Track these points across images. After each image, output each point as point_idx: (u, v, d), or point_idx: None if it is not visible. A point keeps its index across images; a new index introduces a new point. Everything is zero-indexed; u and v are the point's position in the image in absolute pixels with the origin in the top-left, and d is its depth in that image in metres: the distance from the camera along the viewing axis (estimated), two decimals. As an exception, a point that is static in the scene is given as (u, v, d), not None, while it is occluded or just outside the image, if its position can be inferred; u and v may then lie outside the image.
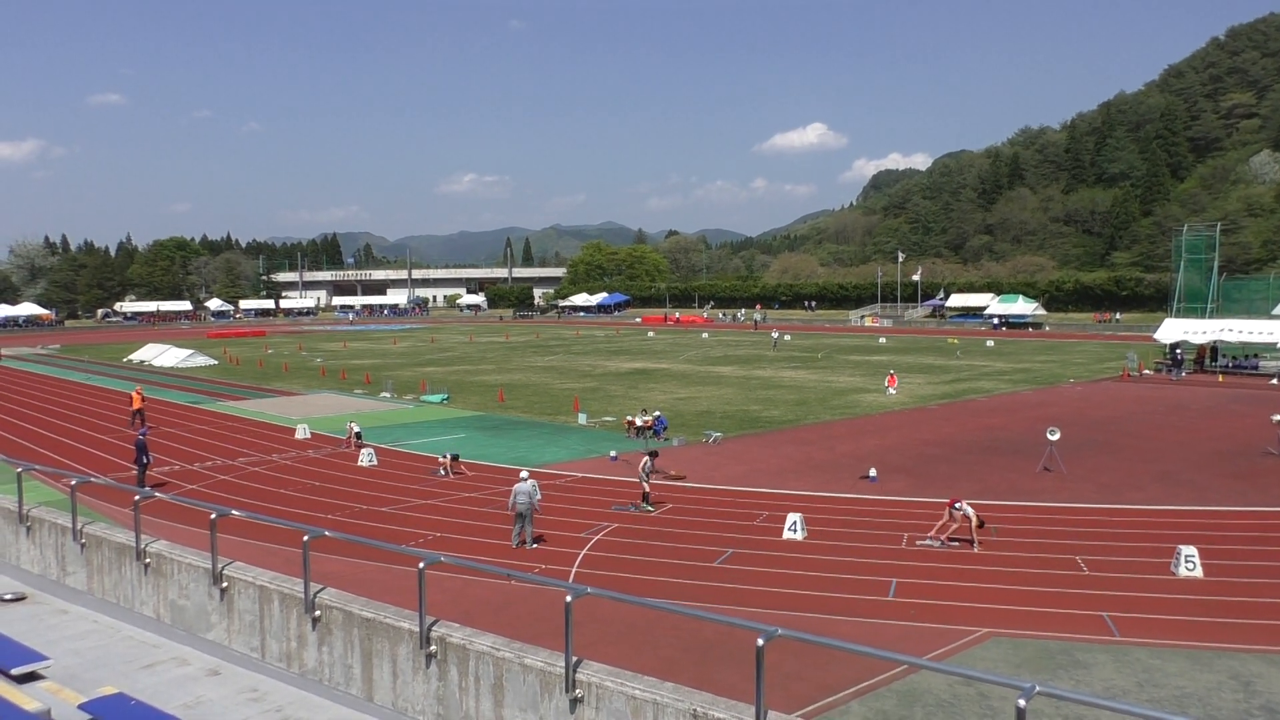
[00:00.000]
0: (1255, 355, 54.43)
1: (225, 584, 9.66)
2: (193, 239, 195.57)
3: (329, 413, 39.91)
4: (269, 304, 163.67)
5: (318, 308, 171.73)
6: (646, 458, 23.24)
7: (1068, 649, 14.07)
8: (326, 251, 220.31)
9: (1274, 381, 48.59)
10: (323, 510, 23.05)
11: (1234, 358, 54.81)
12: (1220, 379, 50.35)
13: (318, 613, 8.74)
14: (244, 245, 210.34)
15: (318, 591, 8.84)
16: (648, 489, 22.71)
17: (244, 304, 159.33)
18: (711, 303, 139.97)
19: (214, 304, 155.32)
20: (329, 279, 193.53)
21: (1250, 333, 52.29)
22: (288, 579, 9.36)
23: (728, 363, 61.95)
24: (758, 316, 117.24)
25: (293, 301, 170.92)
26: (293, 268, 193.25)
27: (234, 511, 10.90)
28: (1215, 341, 53.69)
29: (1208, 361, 54.46)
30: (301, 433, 33.90)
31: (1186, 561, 17.45)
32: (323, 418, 38.06)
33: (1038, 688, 5.28)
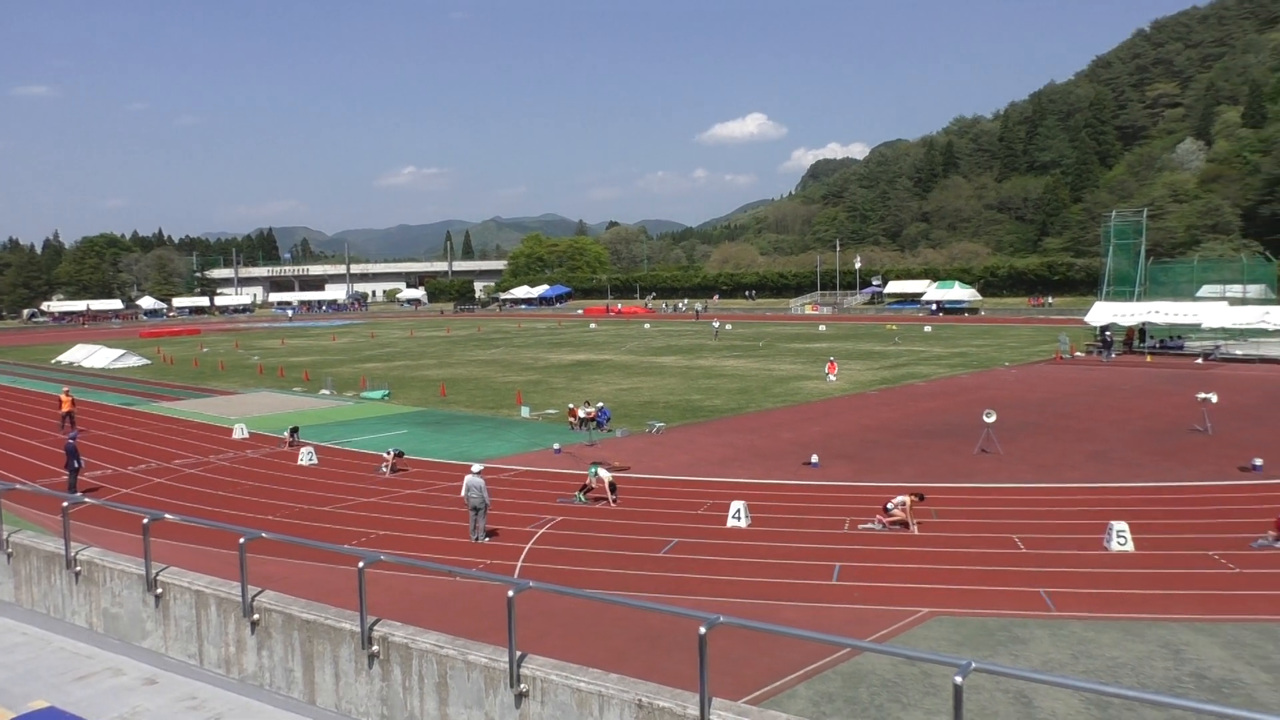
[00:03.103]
0: (1181, 336, 56.12)
1: (160, 590, 9.43)
2: (123, 235, 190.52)
3: (267, 412, 39.18)
4: (203, 301, 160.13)
5: (254, 304, 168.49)
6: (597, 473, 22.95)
7: (1007, 625, 14.39)
8: (263, 247, 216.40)
9: (1199, 361, 50.15)
10: (262, 511, 22.65)
11: (1161, 339, 56.46)
12: (1148, 359, 51.82)
13: (256, 616, 8.58)
14: (177, 241, 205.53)
15: (256, 594, 8.68)
16: (592, 484, 22.74)
17: (178, 302, 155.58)
18: (653, 293, 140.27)
19: (146, 302, 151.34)
20: (265, 275, 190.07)
21: (1176, 315, 53.91)
22: (225, 583, 9.17)
23: (670, 353, 62.14)
24: (699, 306, 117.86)
25: (228, 299, 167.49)
26: (228, 264, 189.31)
27: (168, 515, 10.63)
28: (1143, 323, 55.24)
29: (1136, 343, 56.02)
30: (239, 432, 33.24)
31: (1118, 536, 17.95)
32: (261, 417, 37.36)
33: (974, 664, 5.37)
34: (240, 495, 24.48)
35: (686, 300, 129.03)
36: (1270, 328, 50.48)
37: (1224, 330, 53.39)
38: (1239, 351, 52.49)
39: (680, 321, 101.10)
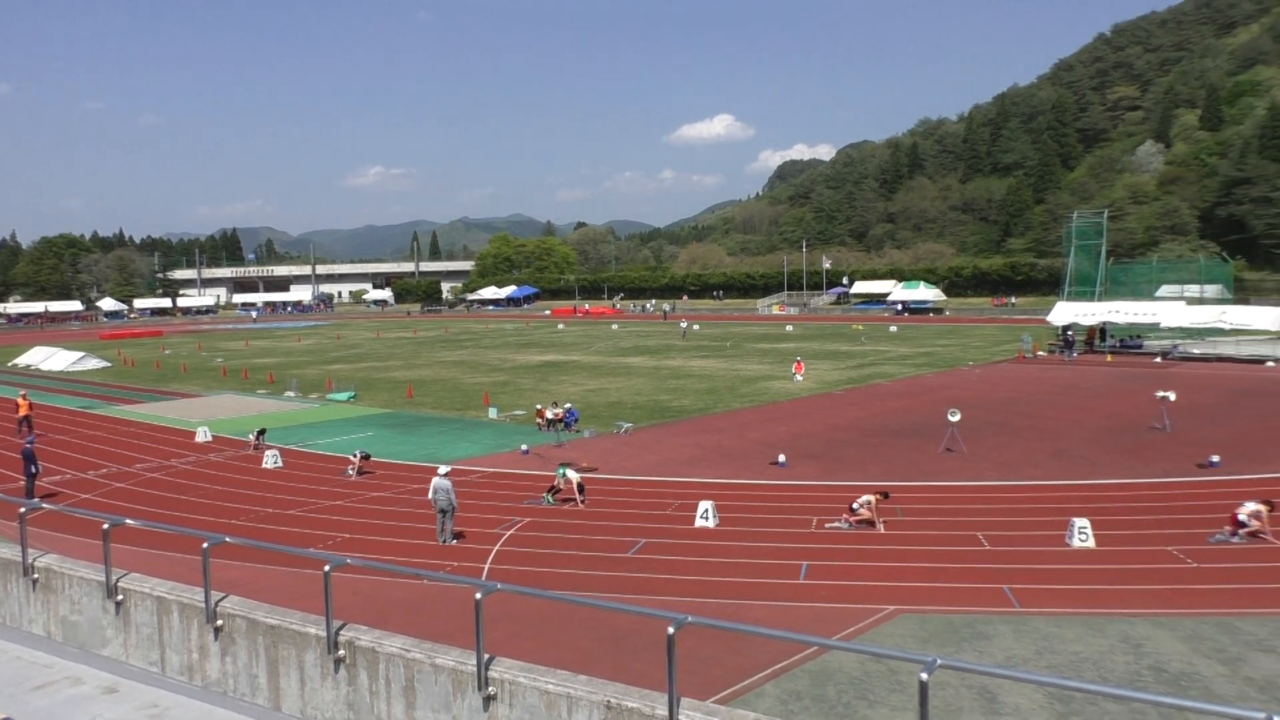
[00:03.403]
0: (1140, 336, 57.02)
1: (120, 597, 9.29)
2: (83, 235, 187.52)
3: (231, 414, 38.73)
4: (166, 303, 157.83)
5: (217, 306, 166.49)
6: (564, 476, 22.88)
7: (971, 622, 14.54)
8: (226, 247, 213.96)
9: (1158, 360, 50.97)
10: (226, 515, 22.38)
11: (1121, 338, 57.33)
12: (1109, 359, 52.58)
13: (220, 622, 8.49)
14: (138, 242, 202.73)
15: (219, 600, 8.58)
16: (560, 485, 22.70)
17: (139, 303, 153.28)
18: (621, 294, 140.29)
19: (106, 304, 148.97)
20: (229, 276, 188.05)
21: (1136, 314, 54.82)
22: (187, 588, 9.06)
23: (637, 353, 62.18)
24: (666, 307, 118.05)
25: (191, 300, 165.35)
26: (190, 265, 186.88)
27: (129, 521, 10.47)
28: (1104, 323, 56.07)
29: (1097, 342, 56.83)
30: (202, 436, 32.82)
31: (1080, 533, 18.20)
32: (225, 419, 36.92)
33: (939, 661, 5.43)
34: (204, 499, 24.17)
35: (654, 301, 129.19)
36: (1227, 327, 51.46)
37: (1182, 330, 54.33)
38: (1196, 351, 53.40)
39: (648, 322, 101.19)
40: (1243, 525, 18.17)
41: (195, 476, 27.03)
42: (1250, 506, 18.41)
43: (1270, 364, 46.81)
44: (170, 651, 8.95)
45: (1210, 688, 11.99)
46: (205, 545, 8.55)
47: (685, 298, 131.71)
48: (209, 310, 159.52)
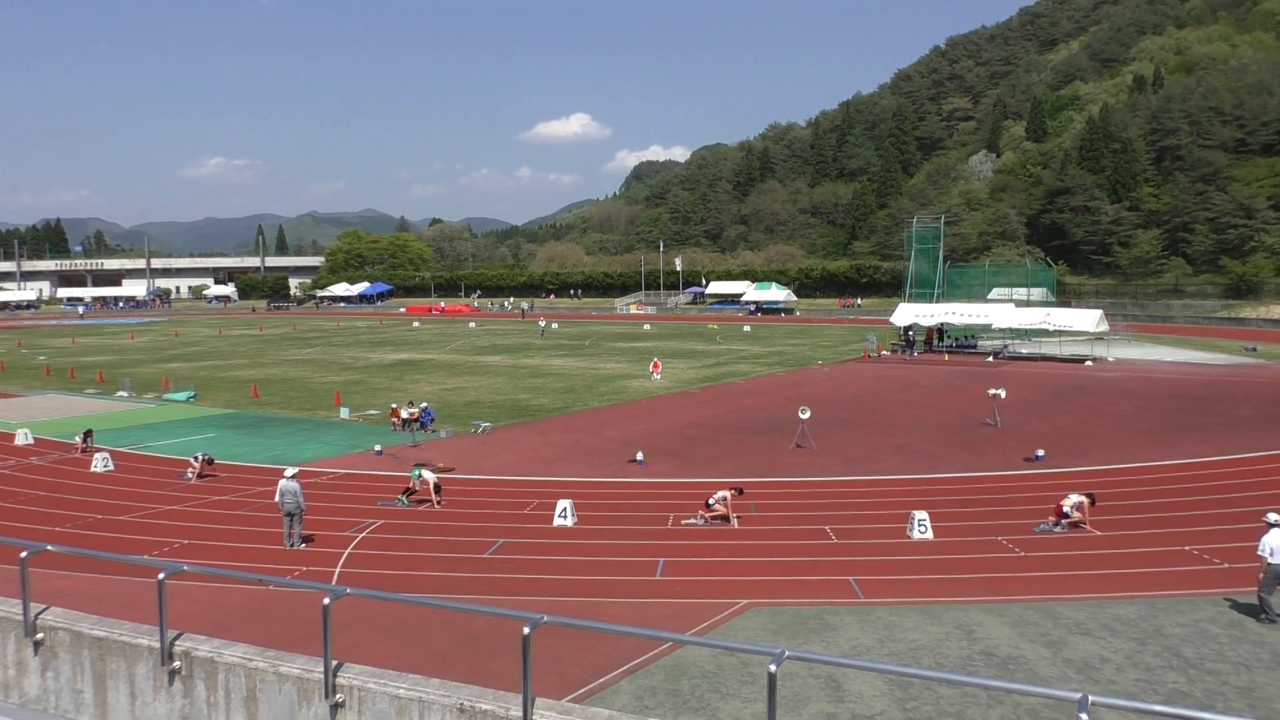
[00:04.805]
0: (974, 336, 60.31)
1: None
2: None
3: (56, 415, 36.23)
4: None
5: (40, 301, 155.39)
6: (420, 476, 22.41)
7: (819, 613, 15.03)
8: (50, 239, 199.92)
9: (990, 359, 54.00)
10: (50, 522, 20.91)
11: (957, 338, 60.48)
12: (946, 358, 55.36)
13: (40, 635, 7.94)
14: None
15: (40, 612, 8.03)
16: (416, 486, 22.23)
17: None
18: (478, 292, 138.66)
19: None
20: (53, 269, 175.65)
21: (970, 316, 57.95)
22: (4, 600, 8.43)
23: (495, 352, 61.58)
24: (525, 305, 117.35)
25: (9, 294, 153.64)
26: (9, 256, 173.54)
27: (-64, 530, 9.67)
28: (942, 324, 59.02)
29: (935, 342, 59.76)
30: (22, 438, 30.56)
31: (919, 525, 19.09)
32: (48, 421, 34.50)
33: (787, 653, 5.59)
34: (24, 506, 22.52)
35: (512, 299, 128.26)
36: (1051, 328, 55.02)
37: (1011, 330, 57.78)
38: (1024, 350, 56.97)
39: (506, 320, 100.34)
40: (1066, 516, 19.45)
41: (14, 482, 25.15)
42: (1074, 498, 19.73)
43: (1089, 363, 50.35)
44: (-17, 670, 8.30)
45: (1034, 670, 12.78)
46: (23, 554, 7.98)
47: (552, 296, 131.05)
48: (30, 305, 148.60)
